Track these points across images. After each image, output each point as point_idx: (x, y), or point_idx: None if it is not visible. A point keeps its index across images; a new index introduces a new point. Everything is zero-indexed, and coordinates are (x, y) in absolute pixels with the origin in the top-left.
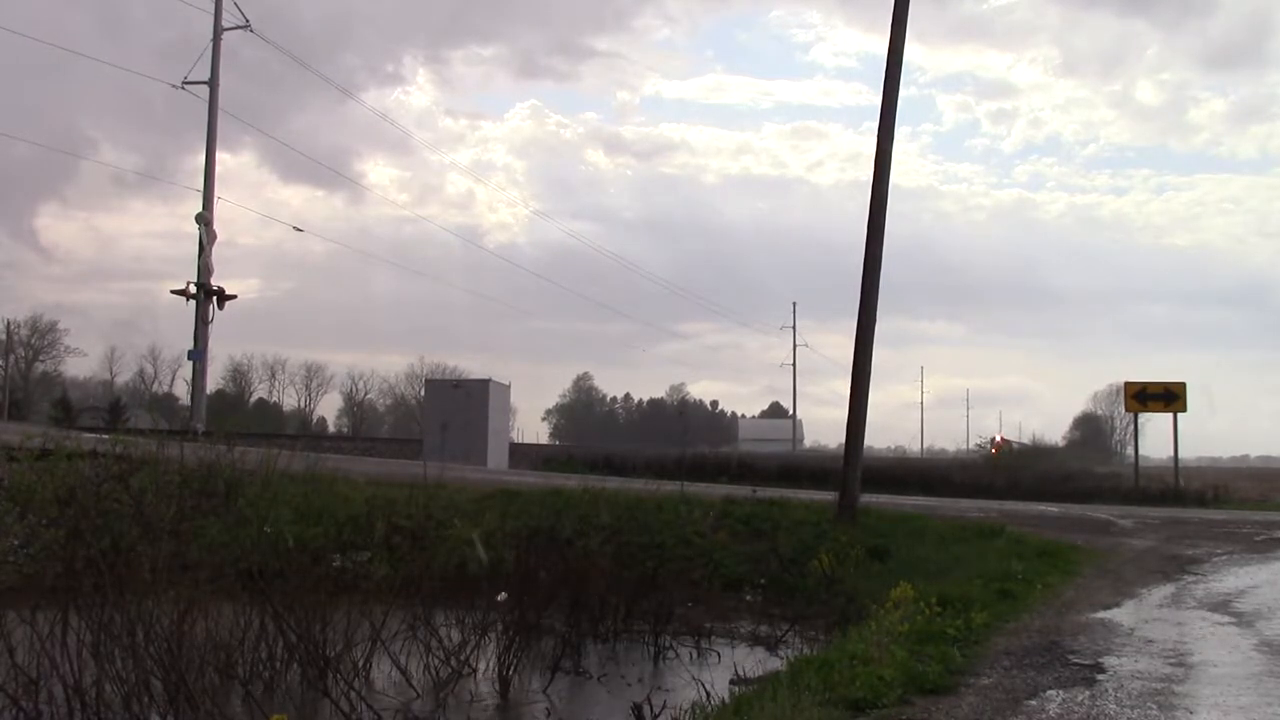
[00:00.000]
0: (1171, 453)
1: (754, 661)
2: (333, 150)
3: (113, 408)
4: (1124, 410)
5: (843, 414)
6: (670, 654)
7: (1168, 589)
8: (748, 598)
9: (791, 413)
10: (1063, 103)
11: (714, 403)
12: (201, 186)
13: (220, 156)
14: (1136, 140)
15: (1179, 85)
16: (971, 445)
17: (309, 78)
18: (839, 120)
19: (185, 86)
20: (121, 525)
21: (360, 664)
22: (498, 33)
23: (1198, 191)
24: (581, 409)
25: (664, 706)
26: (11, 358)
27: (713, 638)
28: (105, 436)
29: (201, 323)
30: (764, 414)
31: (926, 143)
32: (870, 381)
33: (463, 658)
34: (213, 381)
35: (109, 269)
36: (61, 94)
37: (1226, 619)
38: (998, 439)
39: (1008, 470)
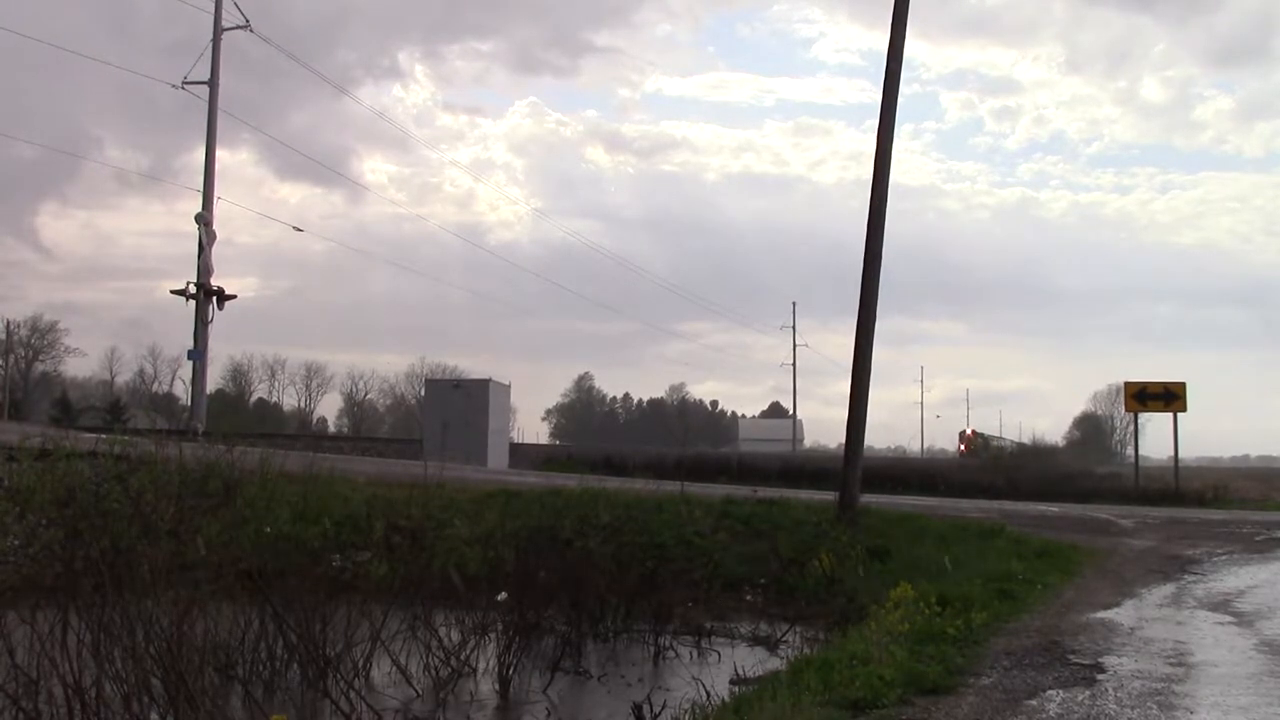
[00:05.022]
0: (1171, 453)
1: (754, 661)
2: (331, 148)
3: (112, 408)
4: (1124, 410)
5: (843, 414)
6: (670, 654)
7: (1168, 589)
8: (748, 598)
9: (792, 413)
10: (1067, 100)
11: (714, 403)
12: (200, 185)
13: (218, 154)
14: (1141, 138)
15: (1185, 82)
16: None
17: (306, 74)
18: (841, 118)
19: (185, 86)
20: (121, 525)
21: (360, 664)
22: (495, 27)
23: (1202, 190)
24: (581, 409)
25: (664, 706)
26: (11, 358)
27: (713, 638)
28: (105, 437)
29: (201, 323)
30: (764, 414)
31: (929, 141)
32: (870, 381)
33: (463, 658)
34: (212, 381)
35: (107, 268)
36: (67, 93)
37: (1227, 619)
38: (967, 433)
39: (1007, 470)
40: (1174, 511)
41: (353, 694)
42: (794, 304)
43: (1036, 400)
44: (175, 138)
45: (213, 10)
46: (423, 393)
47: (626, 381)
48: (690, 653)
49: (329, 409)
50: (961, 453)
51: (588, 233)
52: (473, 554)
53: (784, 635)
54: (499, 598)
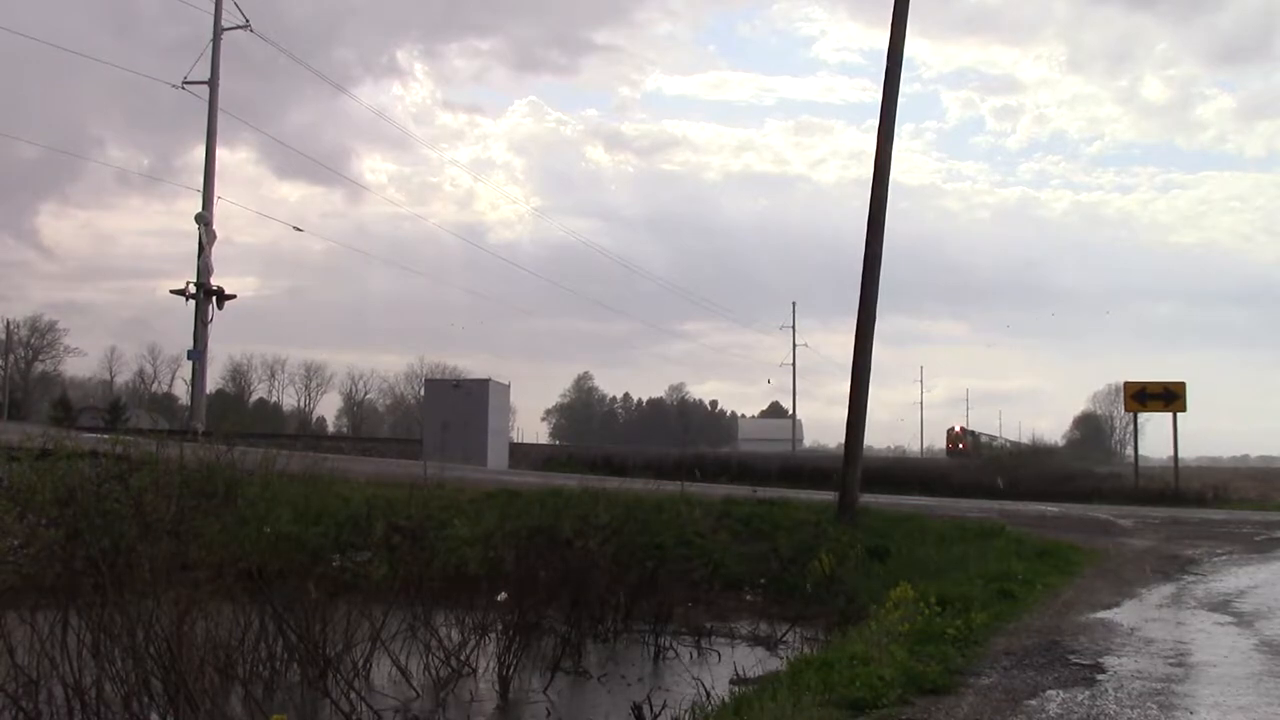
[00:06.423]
0: (1171, 453)
1: (754, 661)
2: (331, 147)
3: (112, 408)
4: (1124, 410)
5: (843, 414)
6: (670, 654)
7: (1168, 589)
8: (748, 598)
9: (791, 413)
10: (1068, 99)
11: (713, 403)
12: (200, 185)
13: (218, 153)
14: (1143, 137)
15: (1186, 81)
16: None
17: (306, 73)
18: (842, 117)
19: (185, 86)
20: (121, 525)
21: (360, 664)
22: (495, 26)
23: (1204, 189)
24: (581, 409)
25: (664, 706)
26: (11, 358)
27: (713, 638)
28: (105, 436)
29: (201, 323)
30: (764, 414)
31: (930, 140)
32: (870, 381)
33: (463, 658)
34: (212, 381)
35: (107, 267)
36: (68, 93)
37: (1226, 619)
38: (956, 430)
39: (1007, 470)
40: (1174, 511)
41: (353, 694)
42: (794, 304)
43: (1038, 400)
44: (175, 137)
45: (213, 10)
46: (423, 393)
47: (626, 381)
48: (690, 653)
49: (329, 409)
50: (949, 450)
51: (588, 232)
52: (473, 554)
53: (784, 635)
54: (499, 598)
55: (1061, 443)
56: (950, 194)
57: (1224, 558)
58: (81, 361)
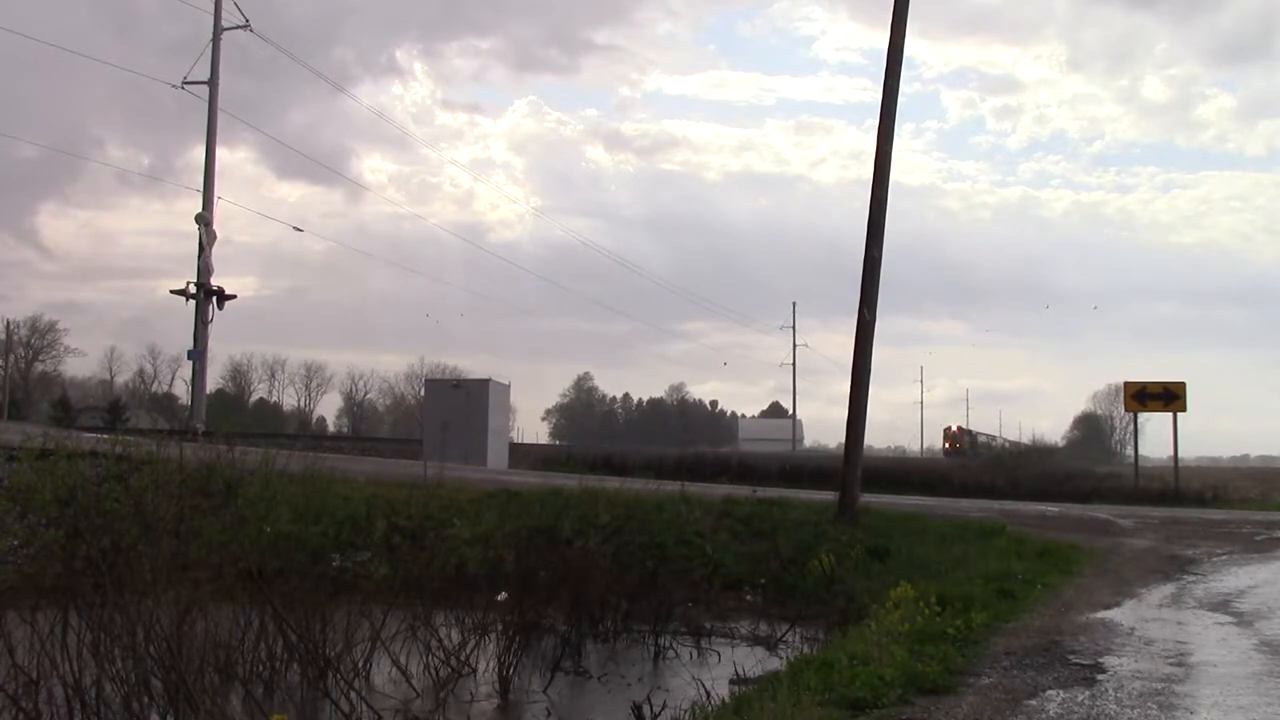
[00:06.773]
0: (1171, 452)
1: (754, 661)
2: (330, 147)
3: (112, 408)
4: (1124, 410)
5: (844, 414)
6: (670, 654)
7: (1168, 589)
8: (748, 598)
9: (792, 413)
10: (1069, 98)
11: (713, 402)
12: (200, 185)
13: (218, 153)
14: (1143, 137)
15: (1186, 81)
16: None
17: (306, 72)
18: (842, 116)
19: (185, 86)
20: (121, 525)
21: (360, 664)
22: (495, 25)
23: (1204, 189)
24: (581, 409)
25: (664, 706)
26: (11, 358)
27: (713, 638)
28: (105, 436)
29: (201, 323)
30: (764, 414)
31: (930, 140)
32: (870, 381)
33: (463, 658)
34: (212, 381)
35: (107, 267)
36: (68, 93)
37: (1226, 619)
38: (953, 429)
39: (1007, 470)
40: (1174, 511)
41: (353, 694)
42: (794, 304)
43: (1039, 399)
44: (175, 137)
45: (213, 10)
46: (423, 393)
47: (626, 381)
48: (690, 653)
49: (329, 409)
50: (947, 450)
51: (588, 232)
52: (473, 554)
53: (784, 635)
54: (499, 598)
55: (1061, 443)
56: (950, 194)
57: (1224, 558)
58: (81, 361)
